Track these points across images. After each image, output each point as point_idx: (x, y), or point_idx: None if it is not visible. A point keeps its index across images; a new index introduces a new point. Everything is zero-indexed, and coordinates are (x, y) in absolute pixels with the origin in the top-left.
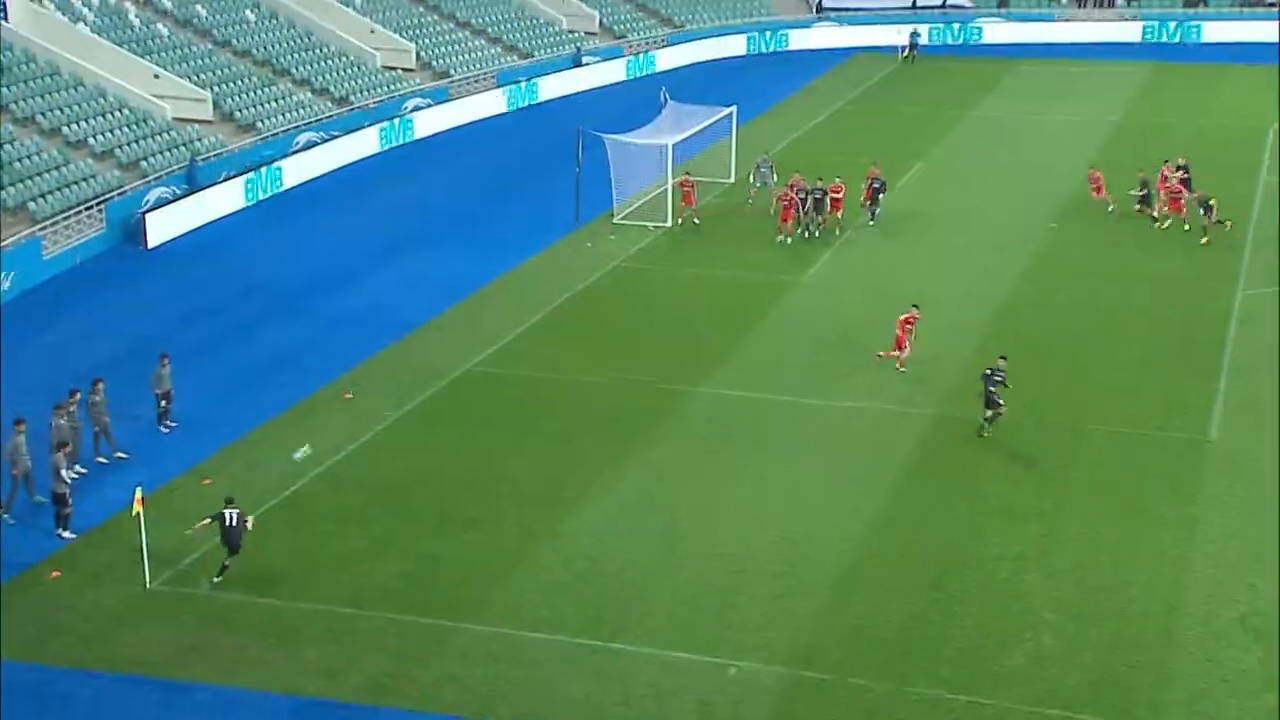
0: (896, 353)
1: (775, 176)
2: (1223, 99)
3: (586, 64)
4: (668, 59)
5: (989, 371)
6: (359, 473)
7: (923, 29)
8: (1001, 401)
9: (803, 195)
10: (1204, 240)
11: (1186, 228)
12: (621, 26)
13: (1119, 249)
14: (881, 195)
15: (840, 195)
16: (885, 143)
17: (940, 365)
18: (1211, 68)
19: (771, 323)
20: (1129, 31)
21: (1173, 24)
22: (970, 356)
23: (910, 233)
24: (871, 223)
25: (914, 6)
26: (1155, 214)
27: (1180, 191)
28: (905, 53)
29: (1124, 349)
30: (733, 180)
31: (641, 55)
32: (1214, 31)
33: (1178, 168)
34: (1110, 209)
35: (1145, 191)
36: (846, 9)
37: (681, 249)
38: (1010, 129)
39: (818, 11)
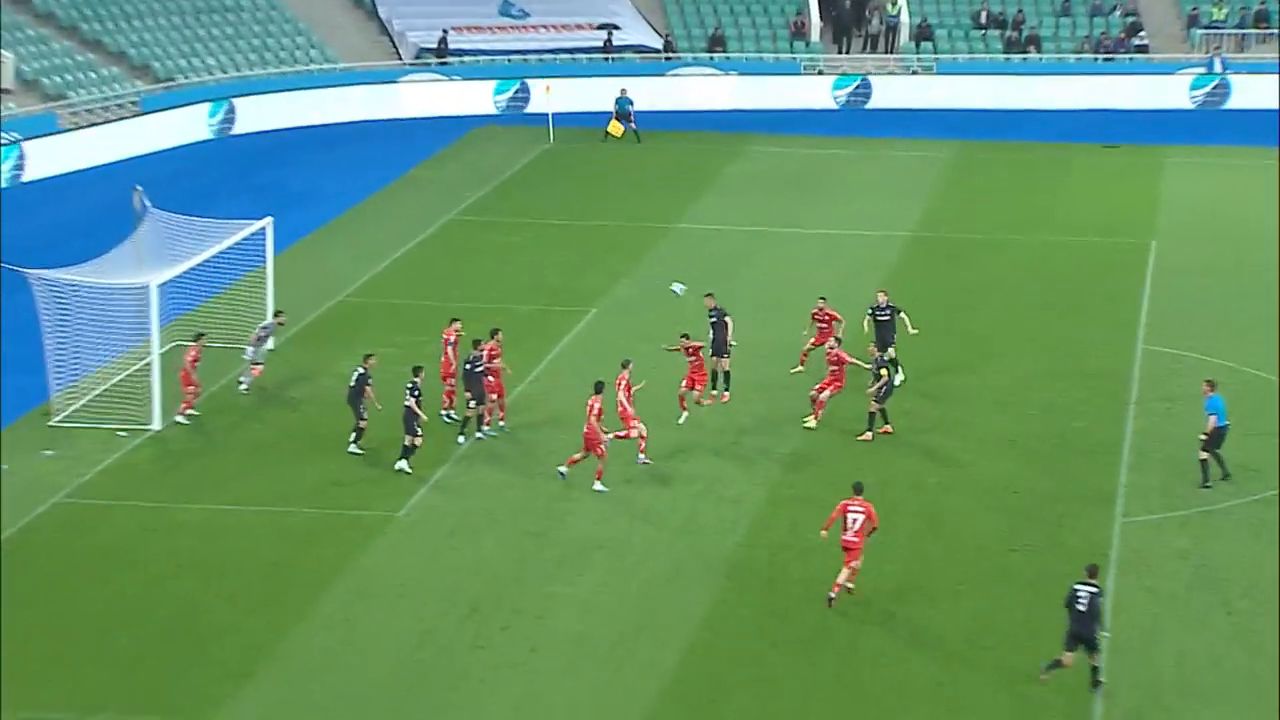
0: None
1: (269, 345)
2: (1070, 198)
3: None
4: (148, 134)
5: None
6: None
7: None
8: None
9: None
10: (874, 432)
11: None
12: (58, 81)
13: (918, 448)
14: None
15: (497, 364)
16: (537, 278)
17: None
18: (1050, 149)
19: (342, 599)
20: (922, 92)
21: (996, 81)
22: (700, 638)
23: (579, 428)
24: (485, 432)
25: (608, 46)
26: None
27: (842, 361)
28: (614, 125)
29: (945, 621)
30: (270, 346)
31: (100, 126)
32: (1056, 92)
33: (875, 309)
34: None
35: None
36: (476, 51)
37: (178, 469)
38: (736, 249)
39: (420, 57)
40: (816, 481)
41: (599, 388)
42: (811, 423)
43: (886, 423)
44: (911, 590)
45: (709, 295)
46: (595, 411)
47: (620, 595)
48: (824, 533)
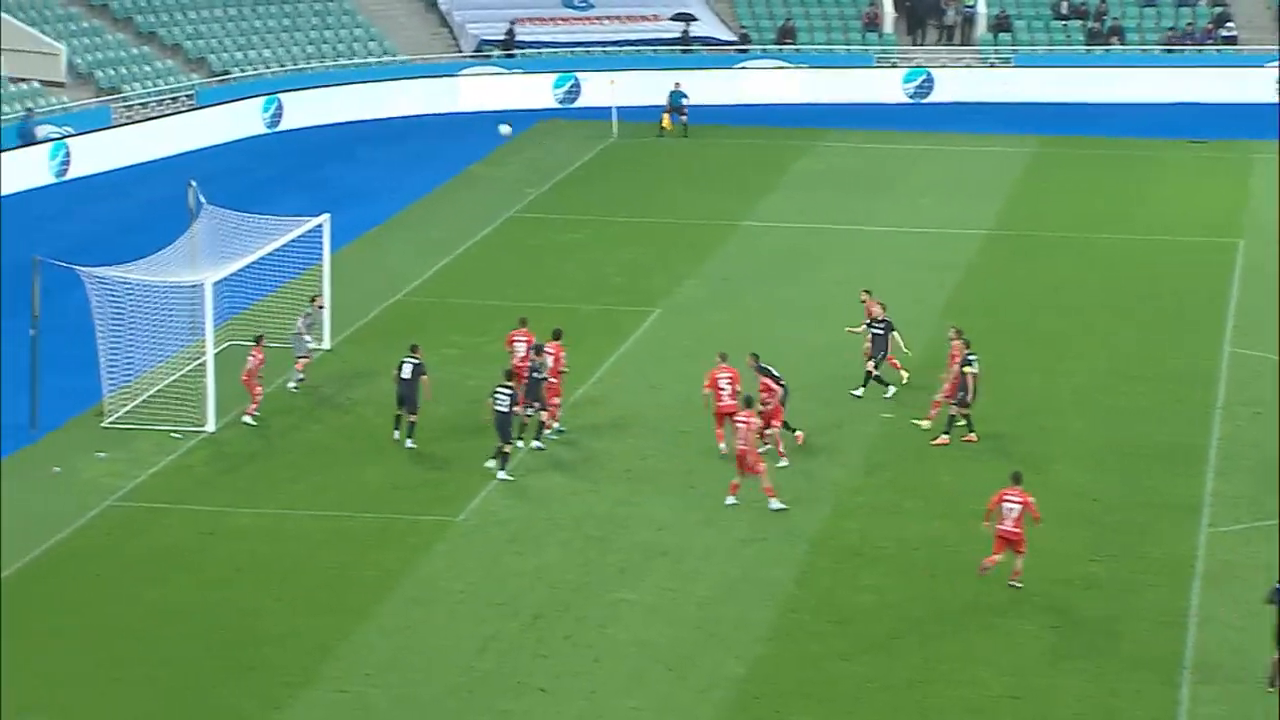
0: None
1: (314, 340)
2: (1153, 196)
3: (45, 139)
4: (204, 128)
5: None
6: None
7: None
8: None
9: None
10: (950, 436)
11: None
12: (112, 73)
13: (993, 452)
14: (542, 381)
15: (557, 369)
16: (600, 276)
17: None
18: (1133, 144)
19: (402, 606)
20: (1000, 85)
21: (1077, 74)
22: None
23: (643, 431)
24: (545, 439)
25: (685, 38)
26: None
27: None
28: (665, 119)
29: (1021, 633)
30: (327, 345)
31: (155, 120)
32: (1140, 86)
33: (871, 321)
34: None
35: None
36: (541, 44)
37: (234, 472)
38: (803, 248)
39: (481, 50)
40: (887, 487)
41: (749, 401)
42: (941, 437)
43: (971, 430)
44: (986, 601)
45: (753, 355)
46: (751, 431)
47: (685, 603)
48: (986, 524)
